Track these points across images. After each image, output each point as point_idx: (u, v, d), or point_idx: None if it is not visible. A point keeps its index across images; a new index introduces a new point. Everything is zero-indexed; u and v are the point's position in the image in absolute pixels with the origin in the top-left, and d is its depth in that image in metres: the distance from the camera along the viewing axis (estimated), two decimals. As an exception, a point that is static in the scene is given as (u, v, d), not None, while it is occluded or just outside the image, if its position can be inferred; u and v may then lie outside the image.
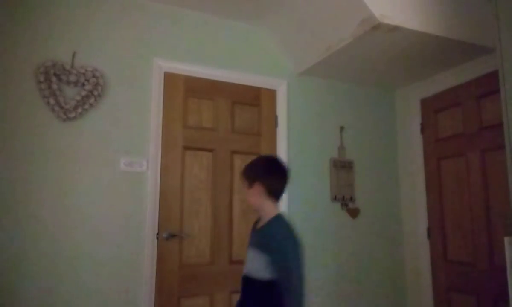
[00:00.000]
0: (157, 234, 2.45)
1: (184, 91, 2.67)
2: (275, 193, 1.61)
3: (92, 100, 2.35)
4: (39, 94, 2.25)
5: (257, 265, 1.55)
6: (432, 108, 3.12)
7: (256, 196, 1.61)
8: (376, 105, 3.38)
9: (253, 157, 2.71)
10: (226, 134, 2.76)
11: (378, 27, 2.28)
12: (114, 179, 2.38)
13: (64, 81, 2.31)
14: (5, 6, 2.26)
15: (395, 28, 2.29)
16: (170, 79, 2.63)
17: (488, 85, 2.63)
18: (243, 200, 2.73)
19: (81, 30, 2.42)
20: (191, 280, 2.51)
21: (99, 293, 2.26)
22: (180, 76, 2.66)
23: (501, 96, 1.85)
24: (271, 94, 2.94)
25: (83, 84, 2.34)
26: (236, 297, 2.55)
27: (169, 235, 2.48)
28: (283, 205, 2.84)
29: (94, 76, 2.36)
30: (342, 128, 3.17)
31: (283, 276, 1.46)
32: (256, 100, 2.89)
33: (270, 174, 1.62)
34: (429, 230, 3.06)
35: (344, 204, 3.08)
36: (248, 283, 1.60)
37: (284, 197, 2.84)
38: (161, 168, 2.53)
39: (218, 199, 2.67)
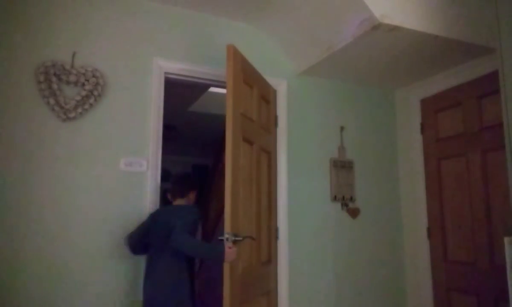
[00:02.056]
0: (157, 234, 2.43)
1: (242, 73, 2.34)
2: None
3: (92, 100, 2.35)
4: (39, 94, 2.25)
5: None
6: (432, 108, 3.12)
7: None
8: (376, 105, 3.38)
9: (266, 155, 2.69)
10: (259, 128, 2.58)
11: (378, 27, 2.28)
12: (114, 179, 2.38)
13: (64, 81, 2.31)
14: (5, 6, 2.26)
15: (395, 28, 2.29)
16: (236, 55, 2.25)
17: (488, 85, 2.63)
18: (264, 198, 2.61)
19: (81, 30, 2.42)
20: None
21: (100, 293, 2.26)
22: (239, 55, 2.29)
23: (501, 96, 1.85)
24: (273, 93, 2.92)
25: (83, 84, 2.34)
26: (262, 300, 2.49)
27: None
28: (284, 204, 2.84)
29: (94, 76, 2.36)
30: (342, 128, 3.17)
31: None
32: (268, 96, 2.78)
33: None
34: (429, 230, 3.06)
35: (344, 204, 3.08)
36: None
37: (284, 197, 2.85)
38: (228, 162, 2.14)
39: (256, 197, 2.46)
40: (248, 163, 2.38)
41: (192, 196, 2.41)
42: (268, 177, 2.71)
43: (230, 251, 2.02)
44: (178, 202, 2.36)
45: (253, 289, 2.37)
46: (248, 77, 2.44)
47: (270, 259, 2.66)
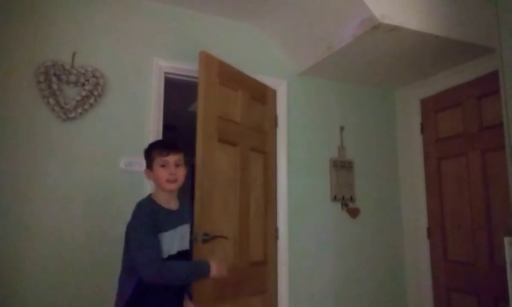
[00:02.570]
0: (158, 234, 2.43)
1: (218, 77, 2.43)
2: None
3: (92, 100, 2.35)
4: (39, 94, 2.25)
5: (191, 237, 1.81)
6: (432, 108, 3.12)
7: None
8: (376, 105, 3.38)
9: (261, 156, 2.72)
10: (246, 129, 2.60)
11: (378, 27, 2.28)
12: (114, 179, 2.38)
13: (64, 81, 2.31)
14: (5, 6, 2.26)
15: (395, 28, 2.30)
16: (208, 61, 2.36)
17: (488, 85, 2.63)
18: (256, 199, 2.63)
19: (81, 30, 2.42)
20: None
21: (99, 292, 2.26)
22: (214, 60, 2.42)
23: (501, 96, 1.85)
24: (272, 94, 2.93)
25: (83, 84, 2.34)
26: (252, 300, 2.52)
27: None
28: (284, 204, 2.84)
29: (94, 76, 2.36)
30: (342, 128, 3.17)
31: None
32: (263, 97, 2.81)
33: None
34: (429, 230, 3.06)
35: (344, 204, 3.08)
36: (189, 254, 1.82)
37: (284, 197, 2.85)
38: (199, 163, 2.23)
39: (241, 197, 2.49)
40: (230, 164, 2.44)
41: (158, 168, 1.66)
42: (265, 178, 2.73)
43: (216, 265, 1.68)
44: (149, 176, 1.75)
45: (238, 289, 2.40)
46: (229, 80, 2.50)
47: (266, 260, 2.67)
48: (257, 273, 2.59)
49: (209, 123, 2.31)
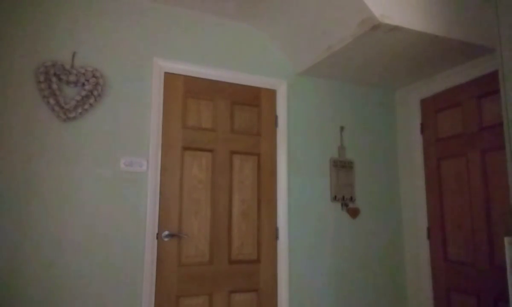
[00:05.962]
0: (157, 234, 2.46)
1: (184, 92, 2.67)
2: None
3: (92, 100, 2.35)
4: (39, 94, 2.25)
5: None
6: (432, 108, 3.13)
7: None
8: (376, 105, 3.38)
9: (253, 157, 2.77)
10: (226, 135, 2.76)
11: (378, 27, 2.28)
12: (114, 179, 2.38)
13: (64, 81, 2.31)
14: (5, 6, 2.26)
15: (395, 28, 2.30)
16: (170, 79, 2.63)
17: (488, 85, 2.63)
18: (243, 200, 2.73)
19: (81, 30, 2.42)
20: (190, 280, 2.52)
21: (99, 292, 2.26)
22: (179, 77, 2.67)
23: (501, 96, 1.85)
24: (271, 94, 2.95)
25: (83, 84, 2.34)
26: (235, 297, 2.59)
27: (169, 235, 2.48)
28: (284, 204, 2.84)
29: (94, 76, 2.36)
30: (342, 128, 3.17)
31: None
32: (256, 100, 2.89)
33: None
34: (429, 230, 3.07)
35: (344, 204, 3.08)
36: None
37: (284, 197, 2.86)
38: (160, 169, 2.53)
39: (218, 199, 2.67)
40: (202, 169, 2.66)
41: None
42: (258, 178, 2.81)
43: None
44: None
45: (215, 285, 2.58)
46: (199, 93, 2.71)
47: (259, 259, 2.73)
48: (244, 271, 2.68)
49: (171, 134, 2.59)
